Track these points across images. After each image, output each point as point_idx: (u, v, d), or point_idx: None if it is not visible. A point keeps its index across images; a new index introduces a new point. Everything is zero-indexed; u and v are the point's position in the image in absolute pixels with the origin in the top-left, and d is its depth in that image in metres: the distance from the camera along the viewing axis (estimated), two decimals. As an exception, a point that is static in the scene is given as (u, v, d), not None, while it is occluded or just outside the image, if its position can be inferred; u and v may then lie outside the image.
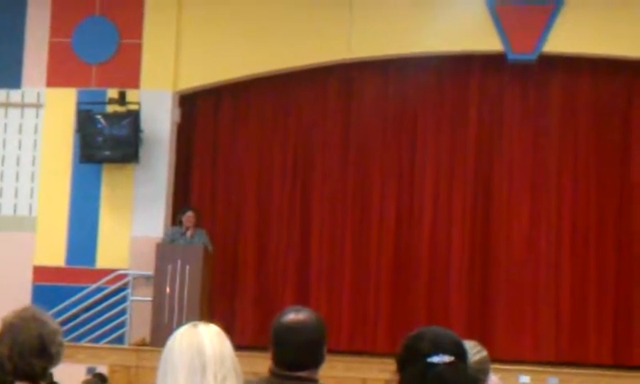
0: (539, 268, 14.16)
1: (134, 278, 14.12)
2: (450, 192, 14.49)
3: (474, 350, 4.45)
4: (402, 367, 2.94)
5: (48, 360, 3.83)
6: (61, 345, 3.89)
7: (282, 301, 13.80)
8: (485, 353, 4.58)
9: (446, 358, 2.88)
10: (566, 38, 13.86)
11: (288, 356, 3.81)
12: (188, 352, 3.04)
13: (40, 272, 14.39)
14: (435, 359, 2.87)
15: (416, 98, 14.69)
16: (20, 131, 14.84)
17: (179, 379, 3.01)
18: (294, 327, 3.82)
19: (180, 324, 3.19)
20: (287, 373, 3.79)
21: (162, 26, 14.55)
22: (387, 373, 3.06)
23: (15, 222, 14.65)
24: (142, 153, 14.30)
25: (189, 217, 13.89)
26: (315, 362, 3.83)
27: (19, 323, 3.83)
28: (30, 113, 14.81)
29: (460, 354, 2.93)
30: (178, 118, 14.72)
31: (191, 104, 15.05)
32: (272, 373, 3.83)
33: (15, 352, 3.76)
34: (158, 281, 13.49)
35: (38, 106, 14.78)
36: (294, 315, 3.86)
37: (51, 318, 3.95)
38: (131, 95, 14.32)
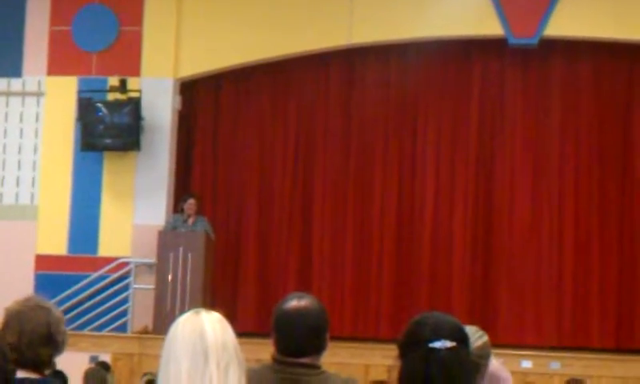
0: (541, 253, 14.17)
1: (136, 266, 14.13)
2: (452, 177, 14.49)
3: (476, 336, 4.45)
4: (403, 353, 2.94)
5: (54, 348, 3.84)
6: (65, 333, 3.90)
7: (284, 287, 13.80)
8: (486, 338, 4.58)
9: (448, 344, 2.88)
10: (567, 21, 13.84)
11: (290, 342, 3.80)
12: (190, 339, 3.04)
13: (42, 261, 14.40)
14: (437, 344, 2.87)
15: (417, 84, 14.67)
16: (21, 120, 14.84)
17: (182, 367, 3.01)
18: (296, 314, 3.81)
19: (182, 311, 3.19)
20: (290, 359, 3.79)
21: (163, 14, 14.53)
22: (390, 359, 3.05)
23: (17, 211, 14.65)
24: (143, 140, 14.29)
25: (190, 204, 13.89)
26: (317, 349, 3.83)
27: (26, 312, 3.83)
28: (31, 101, 14.81)
29: (462, 339, 2.93)
30: (178, 106, 14.72)
31: (192, 91, 15.04)
32: (274, 359, 3.83)
33: (24, 341, 3.76)
34: (160, 268, 13.51)
35: (38, 94, 14.78)
36: (296, 302, 3.85)
37: (55, 306, 3.96)
38: (132, 83, 14.31)
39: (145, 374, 10.88)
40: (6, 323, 3.82)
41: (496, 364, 4.69)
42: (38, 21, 14.77)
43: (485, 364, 4.48)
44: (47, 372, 3.88)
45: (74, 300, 14.02)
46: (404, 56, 14.59)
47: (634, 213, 14.08)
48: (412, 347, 2.91)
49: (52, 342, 3.82)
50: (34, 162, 14.72)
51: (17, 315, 3.82)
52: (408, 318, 3.09)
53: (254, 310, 14.21)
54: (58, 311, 3.94)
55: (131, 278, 14.14)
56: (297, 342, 3.79)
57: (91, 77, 14.55)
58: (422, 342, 2.89)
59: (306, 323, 3.79)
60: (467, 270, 14.24)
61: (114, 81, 14.36)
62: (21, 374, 3.74)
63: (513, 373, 12.44)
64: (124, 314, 14.08)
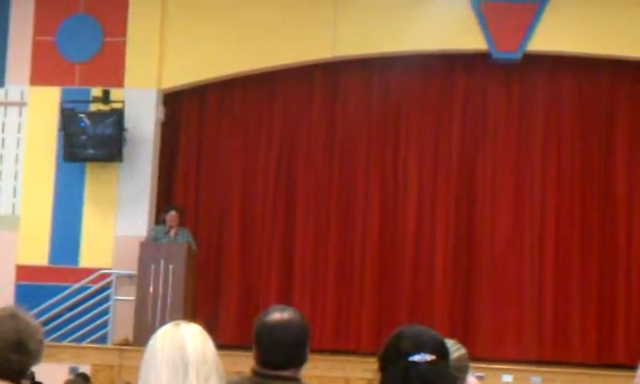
0: (522, 267, 14.20)
1: (117, 278, 14.09)
2: (434, 191, 14.51)
3: (453, 348, 4.46)
4: (384, 366, 2.95)
5: (26, 355, 3.82)
6: (40, 342, 3.88)
7: (265, 300, 13.79)
8: (463, 351, 4.59)
9: (428, 357, 2.88)
10: (550, 36, 13.91)
11: (271, 355, 3.80)
12: (170, 351, 3.04)
13: (23, 271, 14.34)
14: (417, 358, 2.88)
15: (400, 97, 14.70)
16: (3, 130, 14.79)
17: (161, 378, 3.01)
18: (277, 326, 3.81)
19: (163, 323, 3.19)
20: (270, 372, 3.79)
21: (146, 24, 14.52)
22: (370, 372, 3.05)
23: (-2, 221, 14.59)
24: (126, 151, 14.26)
25: (172, 216, 13.87)
26: (298, 362, 3.83)
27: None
28: (13, 111, 14.76)
29: (441, 352, 2.94)
30: (162, 117, 14.70)
31: (175, 102, 15.02)
32: (254, 372, 3.82)
33: None
34: (141, 280, 13.47)
35: (21, 104, 14.73)
36: (278, 314, 3.85)
37: (31, 316, 3.94)
38: (115, 94, 14.29)
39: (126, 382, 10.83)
40: None
41: (472, 379, 4.69)
42: (22, 30, 14.73)
43: (462, 378, 4.48)
44: (26, 383, 3.87)
45: (55, 311, 13.96)
46: (387, 69, 14.62)
47: (616, 227, 14.13)
48: (392, 360, 2.91)
49: (23, 349, 3.80)
50: (16, 172, 14.66)
51: None
52: (389, 331, 3.09)
53: (235, 322, 14.19)
54: (32, 320, 3.93)
55: (112, 290, 14.09)
56: (278, 355, 3.79)
57: (74, 87, 14.52)
58: (402, 356, 2.89)
59: (287, 336, 3.79)
60: (449, 283, 14.26)
61: (97, 91, 14.34)
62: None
63: (494, 387, 12.43)
64: (104, 325, 14.02)
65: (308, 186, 14.75)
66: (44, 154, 14.53)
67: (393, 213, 14.58)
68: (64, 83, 14.56)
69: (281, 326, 3.81)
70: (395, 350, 2.93)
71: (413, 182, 14.56)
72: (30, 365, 3.87)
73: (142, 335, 12.70)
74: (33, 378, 3.77)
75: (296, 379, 3.82)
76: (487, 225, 14.35)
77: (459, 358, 4.48)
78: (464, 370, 4.52)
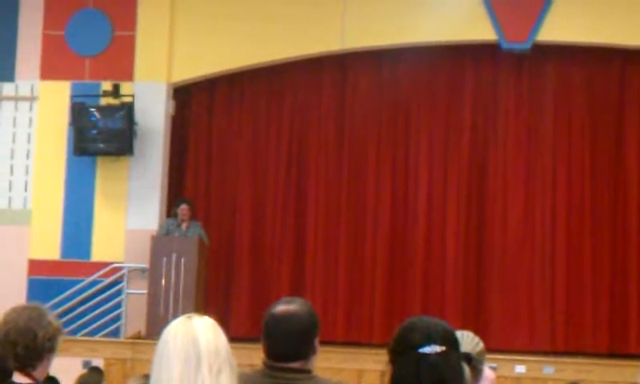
0: (534, 258, 14.18)
1: (129, 271, 14.12)
2: (444, 182, 14.50)
3: (474, 342, 4.49)
4: (394, 358, 2.95)
5: (32, 343, 3.86)
6: (53, 336, 3.92)
7: (277, 292, 13.78)
8: (482, 344, 4.62)
9: (438, 348, 2.89)
10: (560, 26, 13.87)
11: (277, 347, 3.80)
12: (183, 344, 3.05)
13: (35, 266, 14.38)
14: (427, 349, 2.88)
15: (410, 88, 14.69)
16: (14, 124, 14.82)
17: (174, 371, 3.02)
18: (282, 318, 3.81)
19: (175, 316, 3.20)
20: (279, 364, 3.79)
21: (156, 18, 14.53)
22: (383, 364, 3.05)
23: (10, 216, 14.63)
24: (137, 145, 14.28)
25: (184, 209, 13.88)
26: (305, 354, 3.82)
27: (13, 311, 3.92)
28: (23, 106, 14.79)
29: (451, 343, 2.94)
30: (172, 110, 14.71)
31: (185, 96, 15.04)
32: (265, 364, 3.83)
33: (2, 332, 3.83)
34: (153, 273, 13.49)
35: (31, 99, 14.76)
36: (284, 306, 3.85)
37: (53, 315, 4.02)
38: (125, 88, 14.30)
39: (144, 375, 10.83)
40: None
41: (488, 372, 4.69)
42: (32, 25, 14.75)
43: (481, 369, 4.51)
44: (37, 373, 3.90)
45: (67, 305, 13.99)
46: (396, 61, 14.61)
47: (627, 216, 14.10)
48: (402, 352, 2.92)
49: (30, 337, 3.85)
50: (27, 167, 14.70)
51: (4, 316, 3.91)
52: (401, 322, 3.09)
53: (246, 314, 14.21)
54: (51, 315, 3.98)
55: (124, 283, 14.12)
56: (284, 347, 3.79)
57: (84, 81, 14.54)
58: (412, 347, 2.89)
59: (291, 328, 3.79)
60: (460, 274, 14.25)
61: (107, 85, 14.35)
62: (15, 379, 3.76)
63: (506, 378, 12.48)
64: (117, 319, 14.06)
65: (318, 177, 14.76)
66: (55, 148, 14.55)
67: (403, 204, 14.57)
68: (74, 77, 14.59)
69: (285, 317, 3.81)
70: (405, 341, 2.93)
71: (423, 174, 14.54)
72: (39, 354, 3.90)
73: (154, 328, 12.73)
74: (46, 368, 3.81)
75: (306, 371, 3.82)
76: (498, 216, 14.33)
77: (480, 352, 4.51)
78: (483, 363, 4.56)
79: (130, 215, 14.35)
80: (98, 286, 14.19)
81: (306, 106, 14.92)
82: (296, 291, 13.61)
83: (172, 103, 14.70)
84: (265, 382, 3.77)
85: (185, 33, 14.55)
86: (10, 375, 3.72)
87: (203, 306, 13.08)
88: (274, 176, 14.85)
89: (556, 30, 13.88)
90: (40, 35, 14.74)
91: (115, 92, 14.25)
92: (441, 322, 3.00)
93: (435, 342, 2.89)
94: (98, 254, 14.32)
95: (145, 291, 13.59)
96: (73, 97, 14.37)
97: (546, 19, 13.85)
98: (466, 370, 3.12)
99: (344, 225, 14.62)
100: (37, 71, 14.72)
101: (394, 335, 2.98)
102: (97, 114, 14.14)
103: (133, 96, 14.21)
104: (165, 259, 13.41)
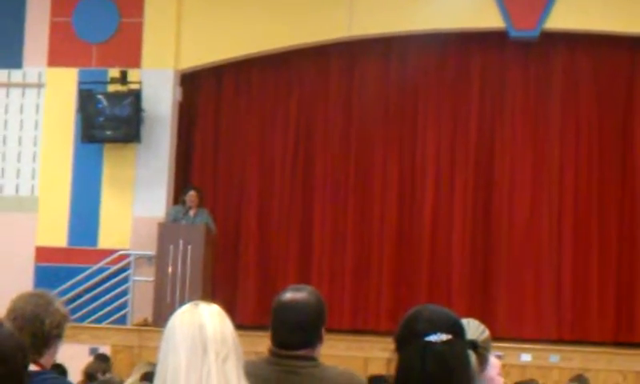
0: (541, 247, 14.17)
1: (136, 258, 14.14)
2: (451, 171, 14.49)
3: (480, 329, 4.49)
4: (400, 346, 2.95)
5: (40, 330, 3.87)
6: (60, 323, 3.93)
7: (284, 280, 13.79)
8: (487, 332, 4.61)
9: (444, 337, 2.88)
10: (568, 14, 13.83)
11: (283, 335, 3.80)
12: (189, 332, 3.05)
13: (42, 253, 14.41)
14: (432, 338, 2.88)
15: (418, 76, 14.67)
16: (21, 111, 14.84)
17: (180, 359, 3.02)
18: (289, 306, 3.81)
19: (182, 304, 3.20)
20: (285, 352, 3.79)
21: (163, 5, 14.52)
22: (389, 352, 3.05)
23: (17, 203, 14.65)
24: (144, 132, 14.29)
25: (191, 196, 13.88)
26: (312, 342, 3.81)
27: (20, 298, 3.93)
28: (31, 93, 14.81)
29: (457, 331, 2.94)
30: (179, 97, 14.71)
31: (193, 83, 15.03)
32: (271, 352, 3.83)
33: (10, 318, 3.84)
34: (160, 261, 13.51)
35: (39, 85, 14.77)
36: (291, 294, 3.85)
37: (60, 302, 4.03)
38: (132, 74, 14.30)
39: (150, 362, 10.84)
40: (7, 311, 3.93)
41: (494, 360, 4.69)
42: (39, 12, 14.75)
43: (487, 357, 4.51)
44: (44, 360, 3.91)
45: (74, 292, 14.01)
46: (404, 48, 14.58)
47: (635, 205, 14.08)
48: (408, 341, 2.91)
49: (37, 323, 3.86)
50: (34, 154, 14.72)
51: (12, 302, 3.92)
52: (408, 311, 3.09)
53: (253, 302, 14.22)
54: (58, 303, 3.99)
55: (131, 270, 14.14)
56: (290, 335, 3.78)
57: (92, 68, 14.54)
58: (417, 336, 2.89)
59: (298, 315, 3.78)
60: (467, 263, 14.25)
61: (114, 72, 14.35)
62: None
63: (512, 366, 12.47)
64: (124, 306, 14.08)
65: (325, 165, 14.75)
66: (62, 135, 14.56)
67: (410, 192, 14.57)
68: (81, 64, 14.59)
69: (293, 305, 3.80)
70: (411, 330, 2.93)
71: (430, 162, 14.53)
72: (46, 342, 3.91)
73: (161, 316, 12.74)
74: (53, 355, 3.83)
75: (312, 358, 3.82)
76: (505, 204, 14.32)
77: (486, 339, 4.51)
78: (488, 350, 4.56)
79: (137, 202, 14.36)
80: (105, 273, 14.21)
81: (313, 93, 14.91)
82: (302, 279, 13.61)
83: (179, 90, 14.70)
84: (270, 369, 3.77)
85: (192, 19, 14.54)
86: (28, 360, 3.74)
87: (210, 294, 13.10)
88: (281, 163, 14.85)
89: (564, 17, 13.84)
90: (47, 22, 14.74)
91: (123, 79, 14.24)
92: (447, 310, 3.00)
93: (441, 331, 2.88)
94: (105, 241, 14.34)
95: (152, 278, 13.61)
96: (80, 84, 14.37)
97: (555, 7, 13.81)
98: (473, 357, 3.12)
99: (351, 213, 14.62)
100: (44, 58, 14.72)
101: (400, 323, 2.98)
102: (104, 101, 14.15)
103: (140, 83, 14.21)
104: (172, 246, 13.42)
